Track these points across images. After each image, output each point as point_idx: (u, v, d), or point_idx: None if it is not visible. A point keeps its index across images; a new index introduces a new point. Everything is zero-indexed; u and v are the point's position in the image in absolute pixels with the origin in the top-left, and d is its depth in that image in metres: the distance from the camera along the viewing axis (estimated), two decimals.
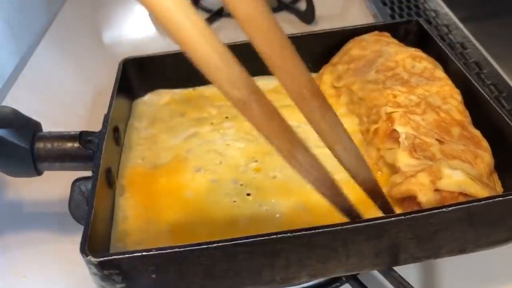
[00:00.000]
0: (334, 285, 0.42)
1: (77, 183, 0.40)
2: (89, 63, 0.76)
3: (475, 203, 0.33)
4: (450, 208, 0.33)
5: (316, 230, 0.32)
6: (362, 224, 0.33)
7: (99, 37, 0.86)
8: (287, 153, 0.30)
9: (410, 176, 0.38)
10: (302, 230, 0.32)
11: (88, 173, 0.40)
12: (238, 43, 0.53)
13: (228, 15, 0.84)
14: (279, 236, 0.32)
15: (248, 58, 0.59)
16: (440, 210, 0.33)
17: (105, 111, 0.45)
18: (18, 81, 0.72)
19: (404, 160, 0.40)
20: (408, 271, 0.42)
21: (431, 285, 0.43)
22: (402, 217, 0.33)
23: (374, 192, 0.35)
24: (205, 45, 0.24)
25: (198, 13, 0.23)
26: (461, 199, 0.36)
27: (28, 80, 0.73)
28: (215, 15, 0.83)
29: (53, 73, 0.75)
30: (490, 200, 0.34)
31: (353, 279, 0.41)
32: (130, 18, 0.88)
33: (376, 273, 0.42)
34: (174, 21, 0.23)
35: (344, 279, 0.42)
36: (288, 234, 0.32)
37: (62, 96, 0.68)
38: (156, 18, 0.23)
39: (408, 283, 0.38)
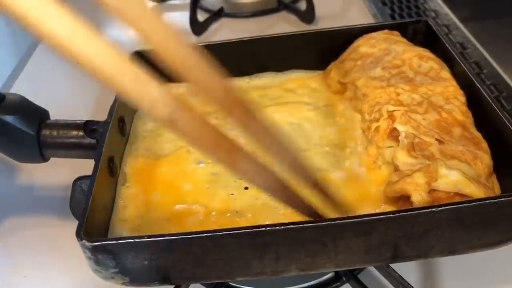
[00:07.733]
0: (334, 285, 0.43)
1: (78, 182, 0.40)
2: None
3: (465, 204, 0.33)
4: (439, 208, 0.33)
5: (305, 225, 0.33)
6: (350, 220, 0.33)
7: None
8: (229, 164, 0.29)
9: (406, 176, 0.38)
10: (290, 224, 0.33)
11: (90, 171, 0.40)
12: (238, 39, 0.54)
13: (228, 15, 0.84)
14: (267, 229, 0.33)
15: (249, 56, 0.59)
16: (430, 210, 0.33)
17: (106, 112, 0.45)
18: (18, 81, 0.73)
19: (402, 158, 0.40)
20: (408, 271, 0.42)
21: (431, 285, 0.43)
22: (391, 215, 0.33)
23: (324, 193, 0.35)
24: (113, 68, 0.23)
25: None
26: (457, 199, 0.36)
27: (27, 80, 0.73)
28: (215, 15, 0.83)
29: (53, 73, 0.75)
30: (480, 202, 0.34)
31: (353, 279, 0.41)
32: None
33: (376, 273, 0.42)
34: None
35: (344, 279, 0.42)
36: (277, 228, 0.33)
37: (62, 97, 0.69)
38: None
39: (408, 283, 0.39)
